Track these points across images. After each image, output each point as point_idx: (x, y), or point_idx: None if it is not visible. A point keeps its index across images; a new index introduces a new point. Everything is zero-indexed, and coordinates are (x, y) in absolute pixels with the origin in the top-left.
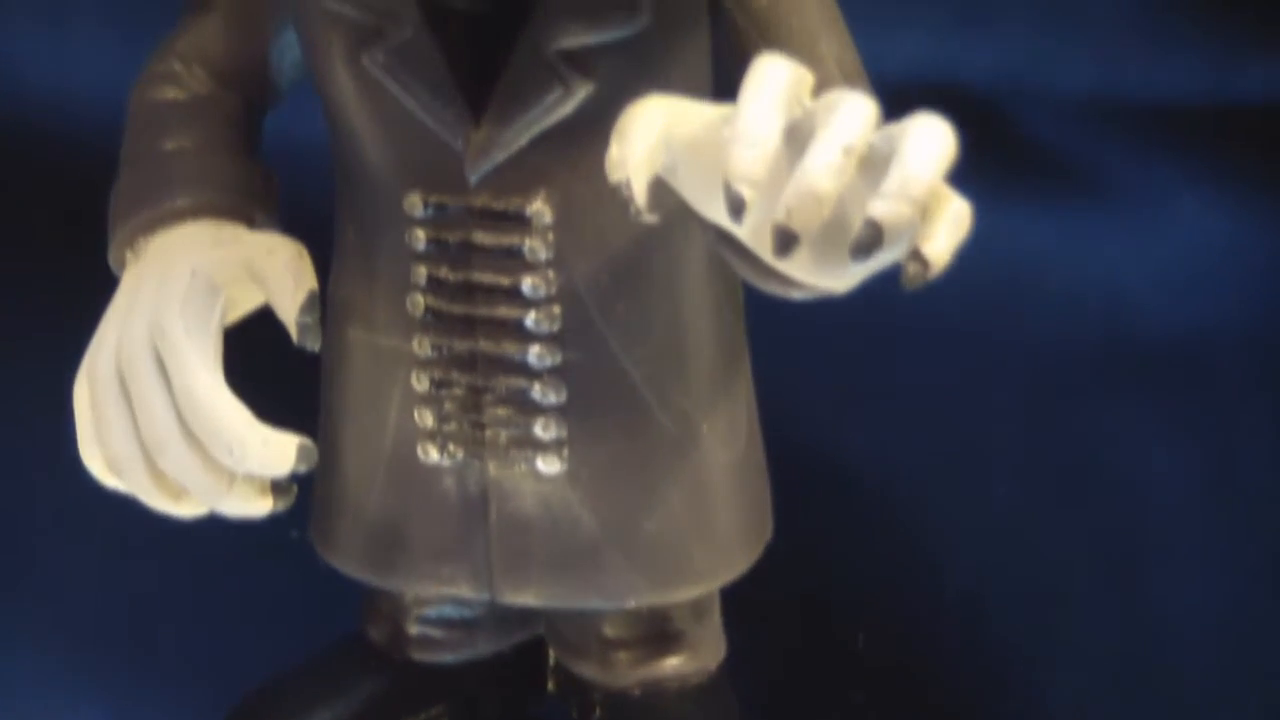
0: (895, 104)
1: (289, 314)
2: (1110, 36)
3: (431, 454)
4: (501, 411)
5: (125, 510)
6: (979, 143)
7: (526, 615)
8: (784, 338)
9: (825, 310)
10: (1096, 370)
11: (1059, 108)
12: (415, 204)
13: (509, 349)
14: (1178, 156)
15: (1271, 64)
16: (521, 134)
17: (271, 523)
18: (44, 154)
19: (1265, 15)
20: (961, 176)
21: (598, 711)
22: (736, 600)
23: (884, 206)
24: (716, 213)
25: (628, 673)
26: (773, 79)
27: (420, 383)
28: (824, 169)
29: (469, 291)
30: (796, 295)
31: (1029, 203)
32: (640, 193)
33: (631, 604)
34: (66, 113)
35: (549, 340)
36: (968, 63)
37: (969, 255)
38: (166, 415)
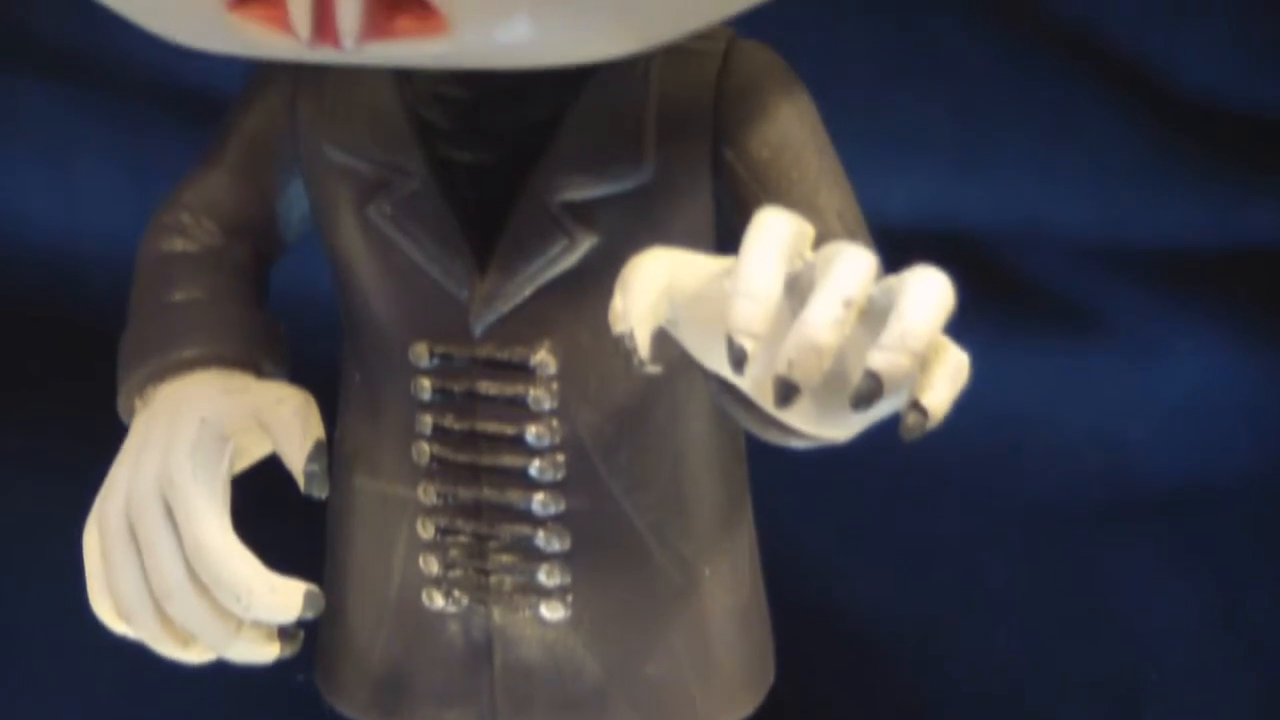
0: (897, 249)
1: (296, 462)
2: (1111, 179)
3: (437, 600)
4: (506, 558)
5: (133, 655)
6: (980, 287)
7: None
8: (786, 485)
9: (826, 458)
10: (1098, 515)
11: (1061, 252)
12: (421, 354)
13: (513, 497)
14: (1179, 300)
15: (1273, 207)
16: (526, 285)
17: (277, 667)
18: (50, 296)
19: (1265, 159)
20: (963, 321)
21: None
22: None
23: (883, 358)
24: (718, 363)
25: None
26: (774, 232)
27: (425, 530)
28: (824, 322)
29: (474, 440)
30: (797, 444)
31: (1031, 346)
32: (643, 345)
33: None
34: (72, 253)
35: (553, 488)
36: (969, 207)
37: (970, 400)
38: (175, 563)
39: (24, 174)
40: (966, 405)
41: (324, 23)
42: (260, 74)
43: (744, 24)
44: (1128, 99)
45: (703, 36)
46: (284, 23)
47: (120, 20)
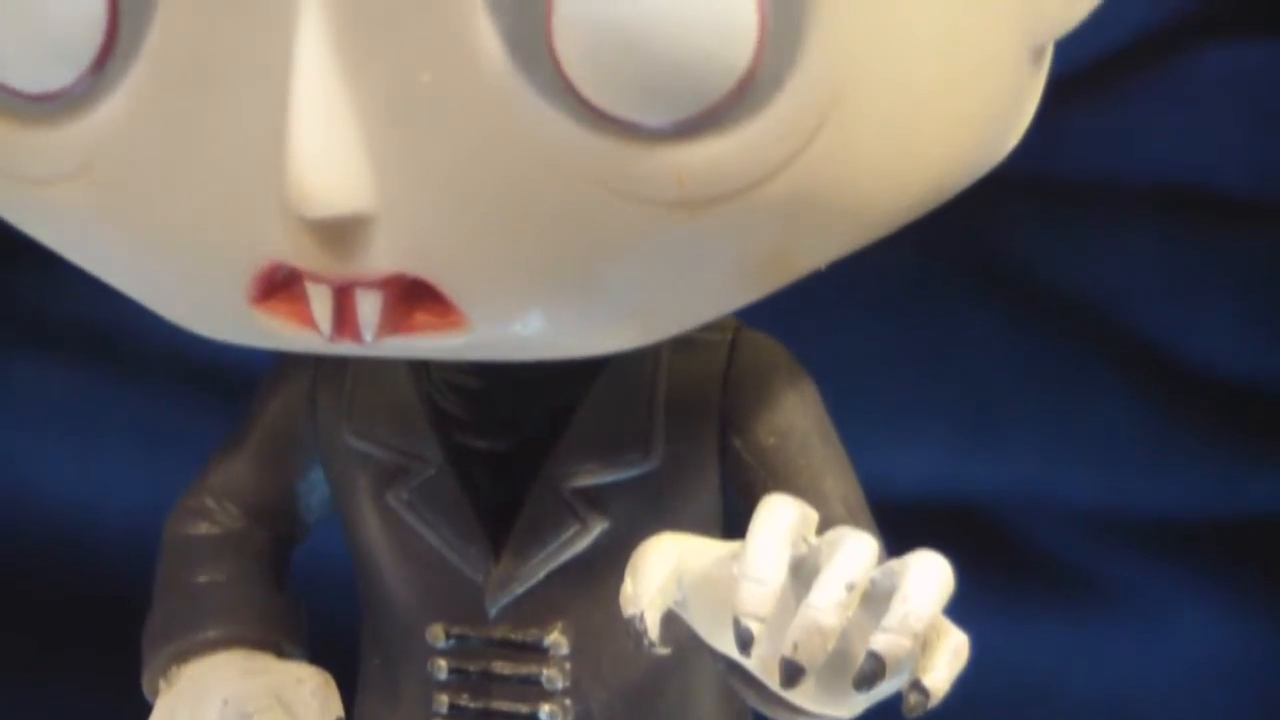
0: (903, 520)
1: None
2: (1117, 450)
3: None
4: None
5: None
6: (987, 558)
7: None
8: None
9: None
10: None
11: (1068, 522)
12: (438, 635)
13: None
14: (1187, 571)
15: (1276, 479)
16: (539, 569)
17: None
18: (70, 570)
19: (1270, 430)
20: (968, 591)
21: None
22: None
23: (886, 640)
24: (726, 644)
25: None
26: (779, 518)
27: None
28: (828, 605)
29: (488, 718)
30: None
31: (1038, 616)
32: (653, 627)
33: None
34: (91, 529)
35: None
36: (975, 479)
37: (976, 669)
38: None
39: (43, 450)
40: (972, 674)
41: (345, 318)
42: (282, 363)
43: (750, 310)
44: (1133, 371)
45: (710, 327)
46: (306, 317)
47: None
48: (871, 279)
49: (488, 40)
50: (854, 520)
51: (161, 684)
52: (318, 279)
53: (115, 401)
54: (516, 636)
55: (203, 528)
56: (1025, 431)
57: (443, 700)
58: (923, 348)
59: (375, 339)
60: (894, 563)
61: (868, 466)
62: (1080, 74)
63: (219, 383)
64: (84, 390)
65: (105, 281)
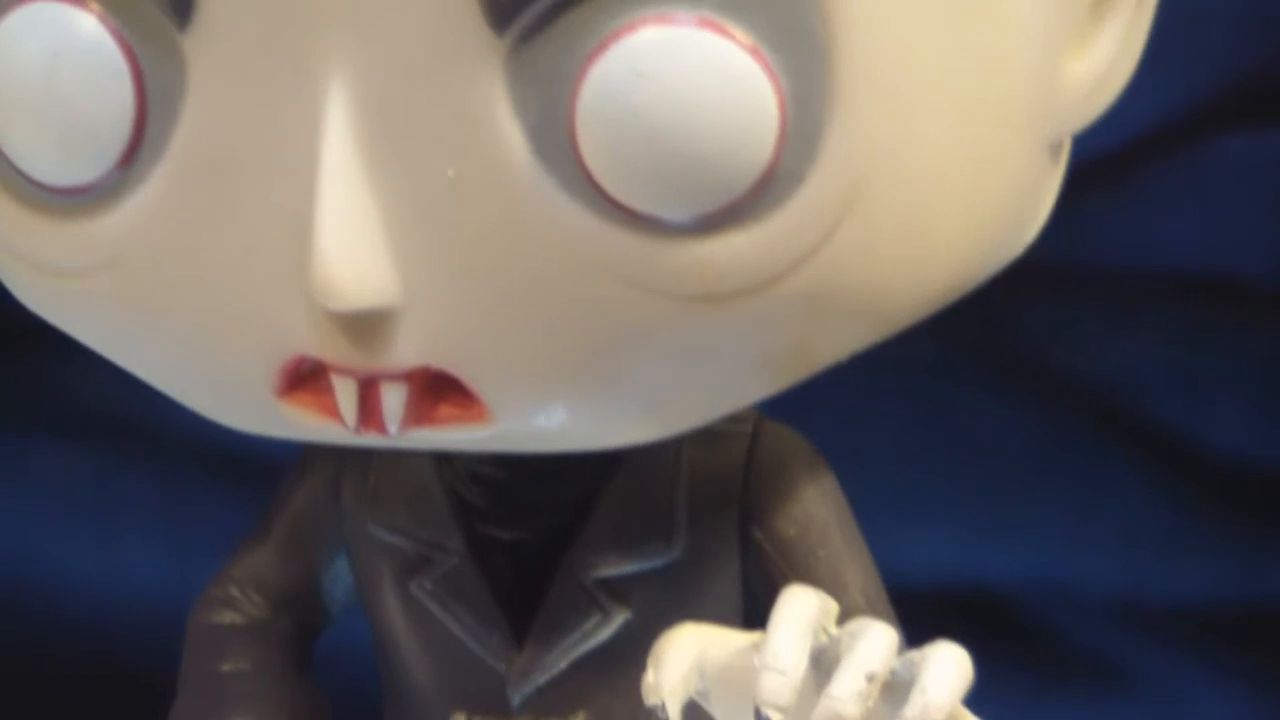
0: (921, 608)
1: None
2: (1135, 539)
3: None
4: None
5: None
6: (1003, 646)
7: None
8: None
9: None
10: None
11: (1085, 611)
12: None
13: None
14: (1204, 659)
15: None
16: (562, 658)
17: None
18: (97, 660)
19: None
20: (985, 680)
21: None
22: None
23: None
24: None
25: None
26: (799, 609)
27: None
28: (849, 696)
29: None
30: None
31: (1055, 704)
32: (675, 716)
33: None
34: (119, 620)
35: None
36: (992, 568)
37: None
38: None
39: (65, 536)
40: None
41: (370, 410)
42: (306, 452)
43: (768, 400)
44: (1151, 460)
45: (730, 418)
46: (331, 410)
47: None
48: (889, 368)
49: (511, 136)
50: (874, 610)
51: None
52: (343, 372)
53: (138, 489)
54: None
55: (227, 617)
56: (1043, 520)
57: None
58: (940, 436)
59: (400, 431)
60: (914, 653)
61: (886, 556)
62: (1098, 162)
63: (242, 471)
64: (106, 477)
65: (129, 370)
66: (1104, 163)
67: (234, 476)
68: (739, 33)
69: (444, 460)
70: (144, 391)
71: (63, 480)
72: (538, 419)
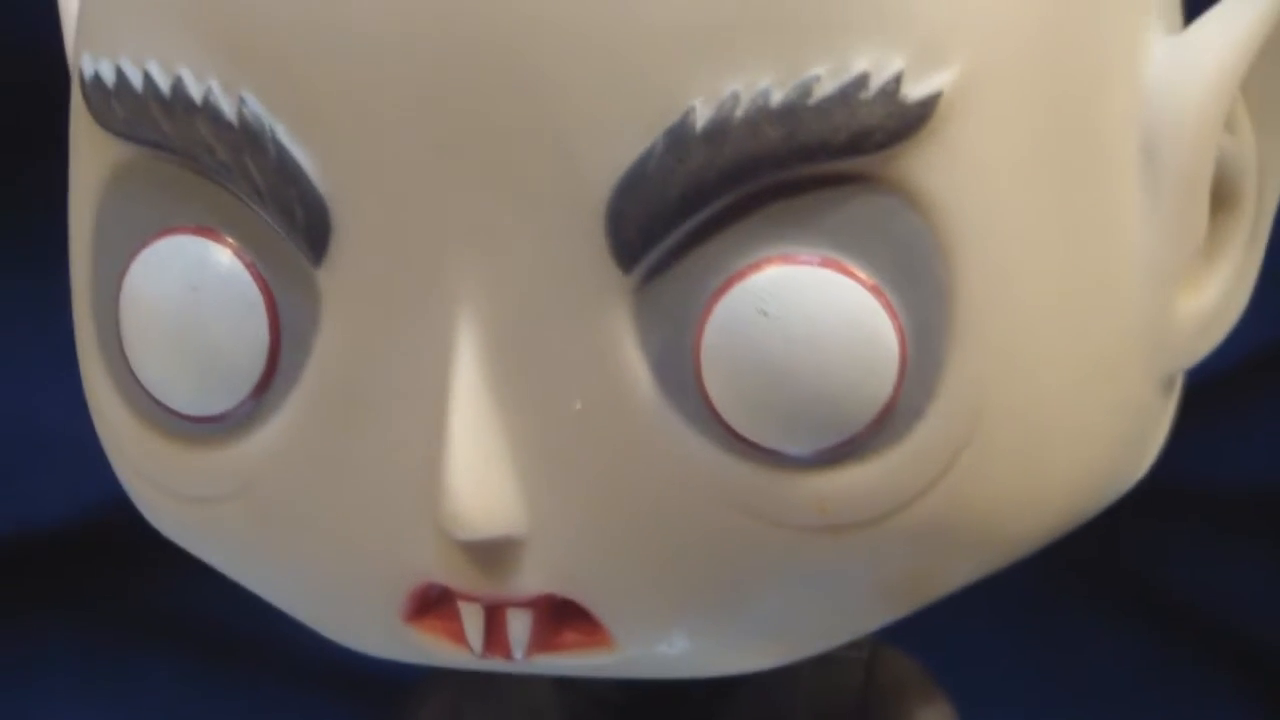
0: None
1: None
2: None
3: None
4: None
5: None
6: None
7: None
8: None
9: None
10: None
11: None
12: None
13: None
14: None
15: None
16: None
17: None
18: None
19: None
20: None
21: None
22: None
23: None
24: None
25: None
26: None
27: None
28: None
29: None
30: None
31: None
32: None
33: None
34: None
35: None
36: None
37: None
38: None
39: None
40: None
41: (495, 636)
42: (429, 677)
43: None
44: (1249, 677)
45: (848, 644)
46: (458, 635)
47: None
48: (998, 592)
49: (637, 370)
50: None
51: None
52: (470, 598)
53: (254, 708)
54: None
55: None
56: None
57: None
58: (1049, 658)
59: (525, 657)
60: None
61: None
62: (1194, 388)
63: (363, 691)
64: (222, 695)
65: (256, 593)
66: (1200, 387)
67: (356, 696)
68: (861, 271)
69: (565, 684)
70: (265, 613)
71: (179, 699)
72: (660, 646)
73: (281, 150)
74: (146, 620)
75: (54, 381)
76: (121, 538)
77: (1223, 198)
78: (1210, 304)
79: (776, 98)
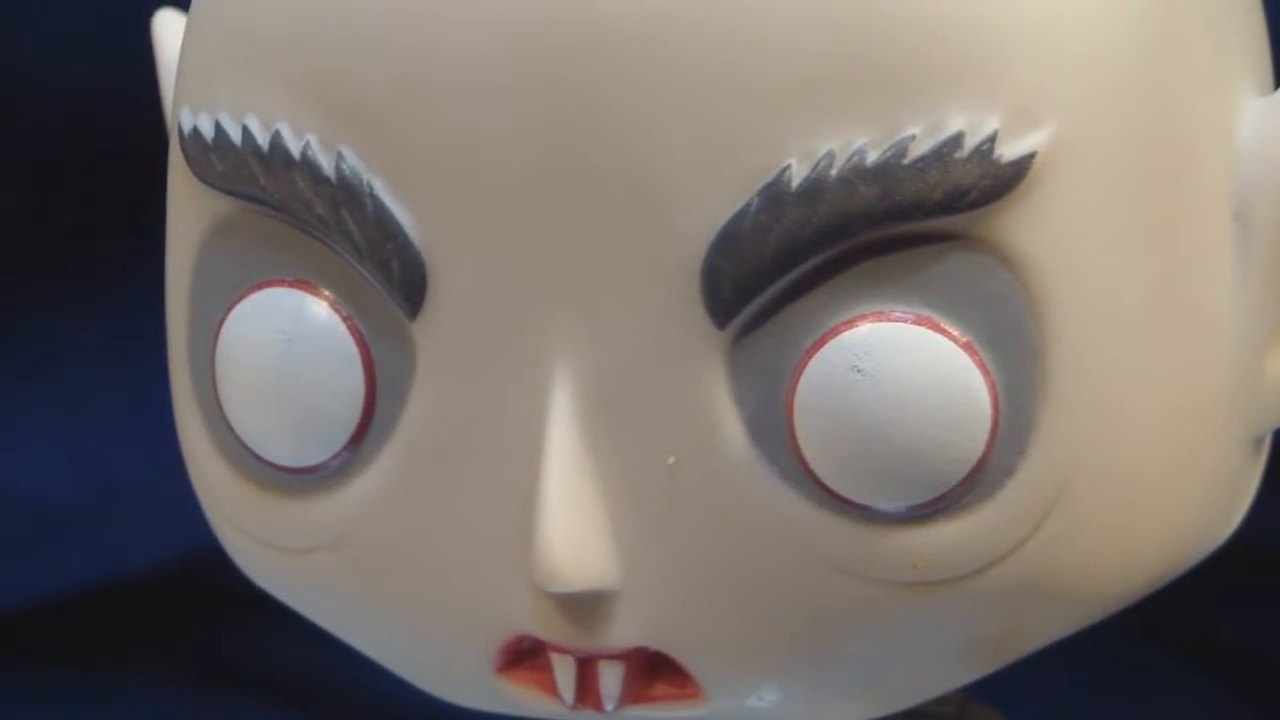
0: None
1: None
2: None
3: None
4: None
5: None
6: None
7: None
8: None
9: None
10: None
11: None
12: None
13: None
14: None
15: None
16: None
17: None
18: None
19: None
20: None
21: None
22: None
23: None
24: None
25: None
26: None
27: None
28: None
29: None
30: None
31: None
32: None
33: None
34: None
35: None
36: None
37: None
38: None
39: None
40: None
41: (587, 688)
42: None
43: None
44: None
45: (936, 699)
46: (549, 686)
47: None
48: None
49: (730, 426)
50: None
51: None
52: (562, 650)
53: None
54: None
55: None
56: None
57: None
58: (1131, 711)
59: (616, 709)
60: None
61: None
62: None
63: None
64: None
65: (349, 644)
66: None
67: None
68: (954, 329)
69: None
70: (358, 662)
71: None
72: (751, 699)
73: (379, 205)
74: (234, 671)
75: (134, 432)
76: (207, 589)
77: None
78: None
79: (872, 157)
